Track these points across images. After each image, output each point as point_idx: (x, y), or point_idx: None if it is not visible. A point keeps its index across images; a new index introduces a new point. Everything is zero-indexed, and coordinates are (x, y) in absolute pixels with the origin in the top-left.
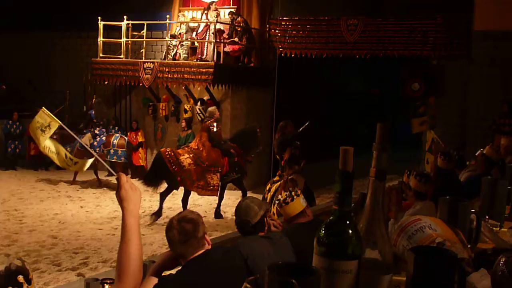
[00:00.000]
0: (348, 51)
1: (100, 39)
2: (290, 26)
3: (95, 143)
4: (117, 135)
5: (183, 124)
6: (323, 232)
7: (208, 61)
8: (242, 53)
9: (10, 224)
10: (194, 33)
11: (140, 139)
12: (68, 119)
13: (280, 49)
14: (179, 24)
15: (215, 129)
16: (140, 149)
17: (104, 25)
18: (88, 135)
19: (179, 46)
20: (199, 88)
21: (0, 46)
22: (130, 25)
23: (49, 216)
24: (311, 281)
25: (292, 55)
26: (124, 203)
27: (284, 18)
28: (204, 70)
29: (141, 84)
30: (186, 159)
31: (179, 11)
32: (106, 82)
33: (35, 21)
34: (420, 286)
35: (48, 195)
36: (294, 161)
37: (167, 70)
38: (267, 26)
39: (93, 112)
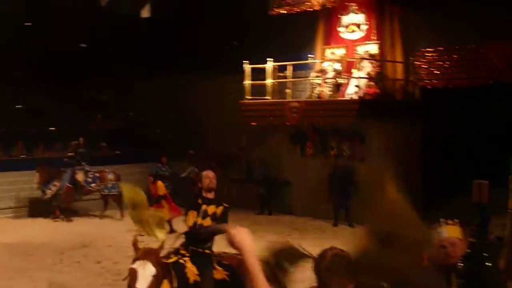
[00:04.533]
0: (498, 78)
1: (247, 81)
2: (435, 57)
3: (89, 179)
4: (108, 170)
5: (331, 160)
6: (461, 264)
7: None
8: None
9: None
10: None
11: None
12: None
13: (426, 81)
14: (323, 61)
15: None
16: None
17: (251, 68)
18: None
19: (323, 84)
20: (345, 125)
21: (153, 92)
22: (275, 66)
23: None
24: None
25: (440, 86)
26: (238, 246)
27: (428, 49)
28: (349, 106)
29: (287, 124)
30: None
31: (322, 50)
32: (253, 124)
33: (181, 66)
34: None
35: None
36: None
37: (313, 108)
38: (411, 58)
39: (82, 151)
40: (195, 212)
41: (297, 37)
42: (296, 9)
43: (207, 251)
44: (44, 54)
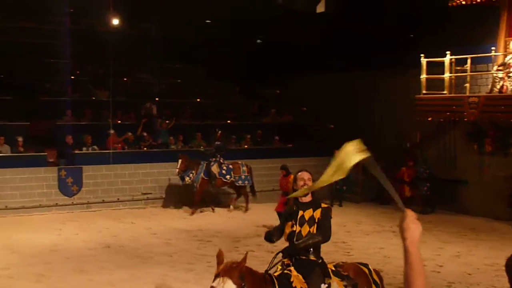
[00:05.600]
0: None
1: (423, 75)
2: None
3: (223, 171)
4: (241, 162)
5: None
6: None
7: None
8: None
9: (338, 256)
10: None
11: None
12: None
13: None
14: (507, 54)
15: None
16: None
17: (427, 61)
18: (216, 164)
19: (506, 78)
20: None
21: (325, 87)
22: (453, 60)
23: (374, 249)
24: None
25: None
26: (405, 233)
27: None
28: None
29: (465, 120)
30: None
31: (506, 42)
32: (429, 119)
33: (355, 60)
34: None
35: (373, 229)
36: None
37: (493, 103)
38: None
39: (218, 144)
40: (290, 223)
41: (476, 29)
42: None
43: (312, 257)
44: (222, 51)
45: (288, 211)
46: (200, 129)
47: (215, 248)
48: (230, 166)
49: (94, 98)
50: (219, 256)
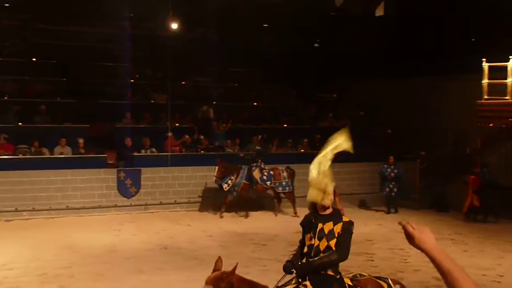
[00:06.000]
0: None
1: (485, 80)
2: None
3: (264, 177)
4: (282, 168)
5: None
6: None
7: None
8: None
9: (395, 262)
10: None
11: None
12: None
13: None
14: None
15: None
16: None
17: (488, 66)
18: (258, 169)
19: None
20: None
21: (383, 92)
22: None
23: None
24: None
25: None
26: (423, 245)
27: None
28: None
29: None
30: None
31: None
32: (491, 125)
33: (413, 64)
34: None
35: None
36: None
37: None
38: None
39: (259, 148)
40: (308, 235)
41: None
42: None
43: (330, 272)
44: (280, 54)
45: (307, 222)
46: (256, 132)
47: (270, 252)
48: (271, 172)
49: (152, 101)
50: (216, 263)
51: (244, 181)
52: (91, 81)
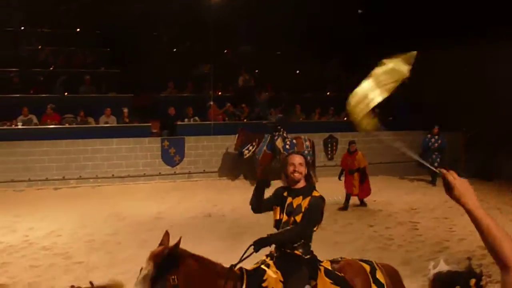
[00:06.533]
0: None
1: None
2: None
3: (287, 146)
4: (304, 137)
5: None
6: None
7: None
8: None
9: (440, 232)
10: None
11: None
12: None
13: None
14: None
15: None
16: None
17: None
18: (280, 138)
19: None
20: None
21: (426, 60)
22: None
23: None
24: None
25: None
26: (462, 199)
27: None
28: None
29: None
30: None
31: None
32: None
33: (467, 32)
34: None
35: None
36: None
37: None
38: None
39: (280, 116)
40: (278, 208)
41: None
42: None
43: (297, 251)
44: (322, 22)
45: (278, 195)
46: (299, 101)
47: None
48: (294, 141)
49: (195, 71)
50: (164, 237)
51: (266, 150)
52: (135, 51)
